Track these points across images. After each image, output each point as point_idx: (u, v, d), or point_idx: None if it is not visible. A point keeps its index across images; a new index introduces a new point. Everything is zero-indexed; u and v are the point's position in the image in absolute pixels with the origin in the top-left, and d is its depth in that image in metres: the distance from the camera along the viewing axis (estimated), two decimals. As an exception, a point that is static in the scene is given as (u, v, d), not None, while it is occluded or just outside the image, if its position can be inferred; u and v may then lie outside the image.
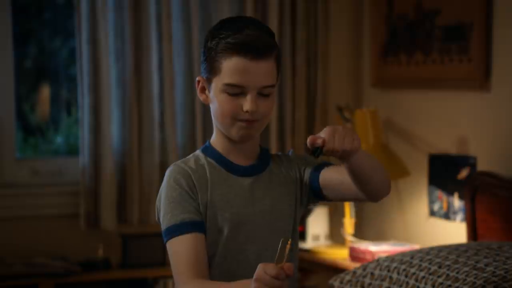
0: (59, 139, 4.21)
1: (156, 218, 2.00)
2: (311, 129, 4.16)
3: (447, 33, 3.66)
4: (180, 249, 1.90)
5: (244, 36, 1.94)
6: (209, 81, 1.98)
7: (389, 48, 4.00)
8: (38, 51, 4.27)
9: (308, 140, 1.82)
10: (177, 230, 1.92)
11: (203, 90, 2.02)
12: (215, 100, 1.97)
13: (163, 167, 3.88)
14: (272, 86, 1.97)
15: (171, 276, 3.84)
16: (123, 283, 3.91)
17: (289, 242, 1.77)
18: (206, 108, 4.01)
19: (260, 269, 1.73)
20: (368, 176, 1.93)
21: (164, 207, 1.96)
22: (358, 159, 1.88)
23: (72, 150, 4.14)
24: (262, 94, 1.96)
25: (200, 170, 2.00)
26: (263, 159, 2.06)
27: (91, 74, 3.84)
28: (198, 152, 2.06)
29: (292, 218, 2.07)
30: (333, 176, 2.02)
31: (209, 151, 2.04)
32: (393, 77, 4.01)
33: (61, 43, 4.25)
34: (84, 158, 3.86)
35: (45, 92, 4.24)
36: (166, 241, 1.93)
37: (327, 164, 2.07)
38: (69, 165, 4.00)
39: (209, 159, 2.02)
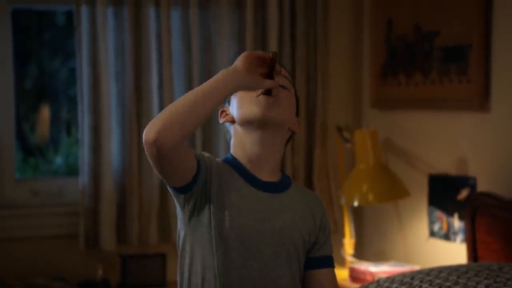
0: (59, 160, 4.21)
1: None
2: (310, 149, 4.16)
3: (446, 54, 3.66)
4: None
5: None
6: (229, 101, 2.08)
7: (389, 69, 4.01)
8: (38, 72, 4.28)
9: None
10: None
11: (224, 113, 2.09)
12: (235, 99, 2.04)
13: (163, 187, 3.87)
14: (288, 79, 2.08)
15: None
16: (122, 303, 3.90)
17: (277, 53, 1.97)
18: (206, 128, 4.02)
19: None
20: None
21: None
22: None
23: (72, 171, 4.14)
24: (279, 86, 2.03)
25: (222, 170, 2.03)
26: (284, 183, 2.09)
27: (91, 94, 3.84)
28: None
29: (302, 249, 2.07)
30: (322, 286, 2.08)
31: (230, 160, 2.07)
32: (392, 97, 4.01)
33: (61, 63, 4.26)
34: (84, 178, 3.85)
35: (45, 112, 4.24)
36: None
37: (332, 263, 2.12)
38: (68, 186, 4.00)
39: (231, 168, 2.05)
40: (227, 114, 2.08)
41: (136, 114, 3.91)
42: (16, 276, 3.80)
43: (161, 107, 3.90)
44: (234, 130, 2.08)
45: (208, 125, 4.01)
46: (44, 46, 4.31)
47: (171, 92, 3.91)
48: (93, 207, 3.86)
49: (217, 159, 2.08)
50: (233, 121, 2.07)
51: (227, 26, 4.00)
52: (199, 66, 3.98)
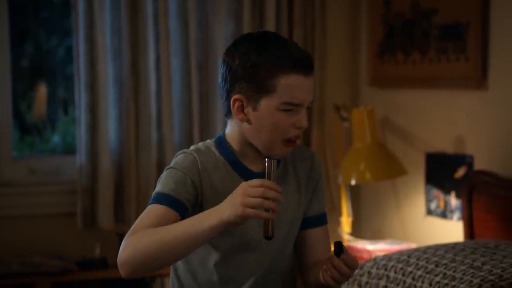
0: (56, 138, 4.20)
1: (157, 182, 2.01)
2: (308, 128, 4.16)
3: (444, 32, 3.66)
4: (151, 213, 1.91)
5: (293, 53, 1.93)
6: (255, 100, 1.94)
7: (386, 47, 4.00)
8: (35, 50, 4.27)
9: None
10: (161, 199, 1.92)
11: (240, 108, 1.96)
12: (265, 118, 1.94)
13: (160, 166, 3.87)
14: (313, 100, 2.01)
15: (168, 275, 3.84)
16: (120, 282, 3.91)
17: (274, 162, 1.83)
18: (203, 107, 4.01)
19: (243, 184, 1.79)
20: None
21: (165, 177, 1.97)
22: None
23: (69, 149, 4.13)
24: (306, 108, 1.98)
25: (211, 169, 1.99)
26: None
27: (88, 73, 3.83)
28: (211, 145, 2.03)
29: (299, 223, 2.07)
30: (314, 246, 2.06)
31: (223, 147, 2.02)
32: (390, 76, 4.01)
33: (58, 42, 4.25)
34: (81, 157, 3.86)
35: (42, 91, 4.24)
36: (149, 204, 1.95)
37: (324, 220, 2.10)
38: (66, 164, 4.00)
39: (222, 158, 2.01)
40: (243, 112, 1.96)
41: (133, 93, 3.90)
42: (13, 254, 3.81)
43: (158, 86, 3.89)
44: (237, 124, 1.99)
45: (206, 102, 4.01)
46: (41, 25, 4.29)
47: (168, 71, 3.90)
48: (90, 186, 3.86)
49: (205, 145, 2.02)
50: (247, 122, 1.97)
51: (224, 5, 3.98)
52: (196, 45, 3.97)
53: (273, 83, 1.92)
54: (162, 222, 1.88)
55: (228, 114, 2.01)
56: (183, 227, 1.82)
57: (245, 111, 1.96)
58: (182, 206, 1.93)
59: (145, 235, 1.83)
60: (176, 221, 1.90)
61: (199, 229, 1.80)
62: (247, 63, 1.93)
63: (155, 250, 1.81)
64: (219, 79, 2.00)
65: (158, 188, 1.95)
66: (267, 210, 1.78)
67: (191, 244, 1.82)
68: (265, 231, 1.80)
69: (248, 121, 1.96)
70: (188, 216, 1.93)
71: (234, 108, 1.96)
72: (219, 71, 2.00)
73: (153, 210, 1.91)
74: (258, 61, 1.92)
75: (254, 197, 1.76)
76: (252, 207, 1.76)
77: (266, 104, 1.93)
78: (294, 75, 1.92)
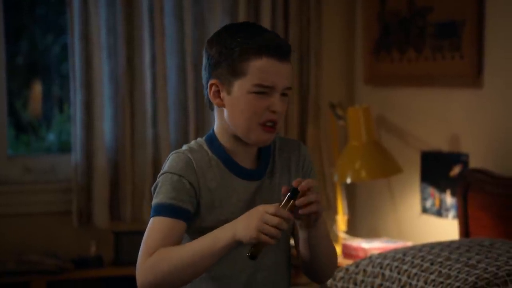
0: (51, 136, 4.20)
1: (152, 189, 2.00)
2: (303, 126, 4.16)
3: (440, 30, 3.66)
4: (158, 228, 1.91)
5: (268, 38, 1.94)
6: (229, 83, 1.95)
7: (382, 45, 4.00)
8: (30, 48, 4.26)
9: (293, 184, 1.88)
10: (164, 210, 1.92)
11: (217, 94, 1.98)
12: (239, 101, 1.95)
13: (156, 164, 3.87)
14: (291, 88, 1.99)
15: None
16: (116, 280, 3.91)
17: (288, 195, 1.84)
18: (199, 104, 4.01)
19: (260, 209, 1.82)
20: (319, 255, 1.99)
21: (162, 184, 1.95)
22: (318, 233, 1.95)
23: (65, 147, 4.13)
24: (282, 95, 1.96)
25: (205, 168, 1.98)
26: (264, 158, 2.04)
27: (83, 70, 3.83)
28: (203, 143, 2.03)
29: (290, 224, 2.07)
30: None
31: (214, 145, 2.01)
32: (385, 74, 4.01)
33: (53, 39, 4.24)
34: (76, 155, 3.85)
35: (37, 89, 4.23)
36: (151, 217, 1.94)
37: None
38: (61, 162, 3.99)
39: (214, 156, 2.00)
40: (219, 97, 1.98)
41: (129, 90, 3.90)
42: (8, 253, 3.81)
43: (154, 84, 3.89)
44: (220, 114, 2.01)
45: (201, 100, 4.00)
46: (36, 22, 4.28)
47: (163, 69, 3.90)
48: (86, 184, 3.86)
49: (197, 143, 2.01)
50: (224, 106, 1.98)
51: (219, 2, 3.98)
52: (192, 42, 3.97)
53: (245, 66, 1.93)
54: (170, 236, 1.90)
55: (211, 105, 2.02)
56: (200, 248, 1.87)
57: (221, 96, 1.97)
58: (186, 213, 1.93)
59: (163, 260, 1.87)
60: (183, 230, 1.93)
61: (215, 248, 1.86)
62: (222, 47, 1.95)
63: (175, 275, 1.87)
64: (202, 71, 2.02)
65: (158, 198, 1.94)
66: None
67: (208, 263, 1.88)
68: (255, 251, 1.83)
69: (224, 106, 1.97)
70: (192, 217, 1.94)
71: (211, 94, 1.98)
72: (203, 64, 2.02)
73: (159, 225, 1.91)
74: (232, 44, 1.94)
75: (270, 225, 1.81)
76: (266, 234, 1.81)
77: (239, 87, 1.94)
78: (266, 58, 1.92)
